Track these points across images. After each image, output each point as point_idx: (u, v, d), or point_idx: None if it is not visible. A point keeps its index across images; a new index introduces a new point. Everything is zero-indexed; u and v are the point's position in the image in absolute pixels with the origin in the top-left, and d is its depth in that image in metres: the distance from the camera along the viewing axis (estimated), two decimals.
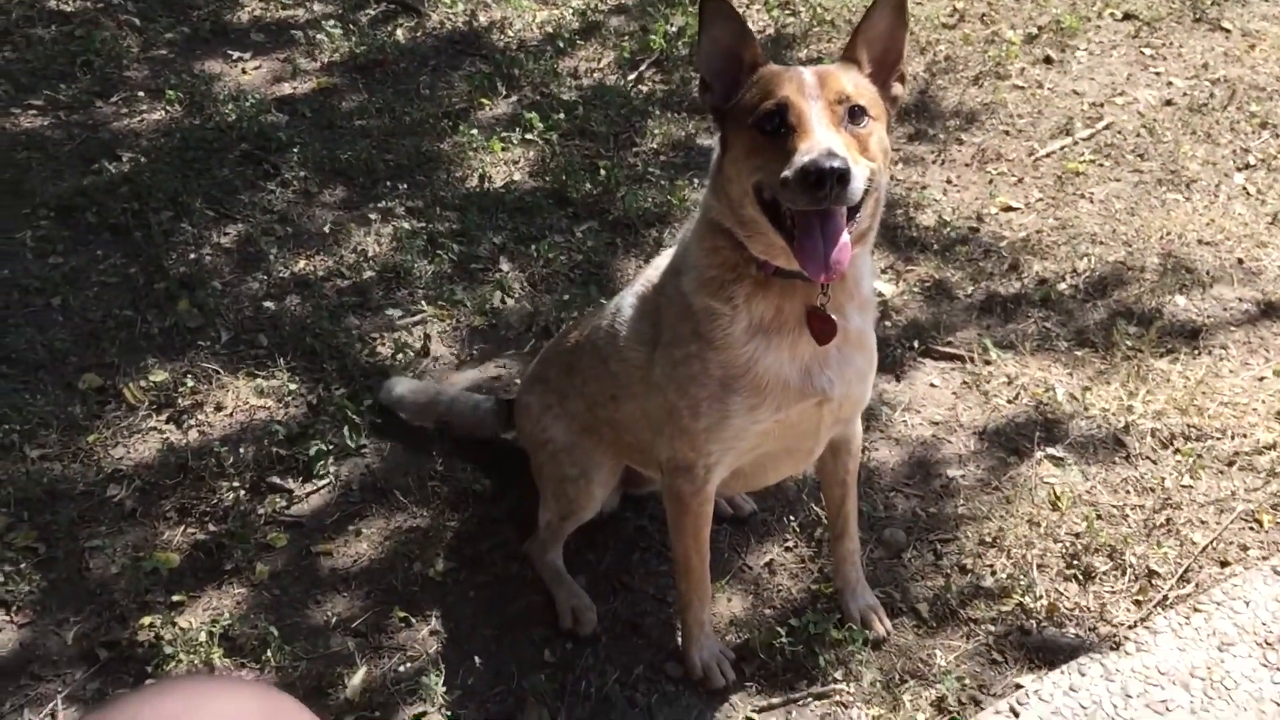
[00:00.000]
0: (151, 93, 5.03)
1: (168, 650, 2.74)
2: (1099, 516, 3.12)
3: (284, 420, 3.43)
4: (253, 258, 4.09)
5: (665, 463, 2.59)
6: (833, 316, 2.32)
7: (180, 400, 3.49)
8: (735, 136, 2.24)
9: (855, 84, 2.22)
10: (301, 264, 4.08)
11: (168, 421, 3.43)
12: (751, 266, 2.31)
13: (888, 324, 3.82)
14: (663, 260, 2.59)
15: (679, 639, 2.81)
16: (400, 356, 3.68)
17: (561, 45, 5.50)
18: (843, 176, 2.02)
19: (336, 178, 4.55)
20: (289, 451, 3.31)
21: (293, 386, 3.55)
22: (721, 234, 2.32)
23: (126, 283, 3.93)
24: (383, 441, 3.40)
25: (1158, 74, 5.29)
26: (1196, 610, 2.83)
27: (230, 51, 5.43)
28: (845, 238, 2.12)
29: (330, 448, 3.32)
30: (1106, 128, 4.87)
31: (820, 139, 2.06)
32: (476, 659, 2.78)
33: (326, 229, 4.24)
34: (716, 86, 2.30)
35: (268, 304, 3.85)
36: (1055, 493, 3.20)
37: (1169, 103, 5.05)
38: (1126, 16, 5.75)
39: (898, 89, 2.39)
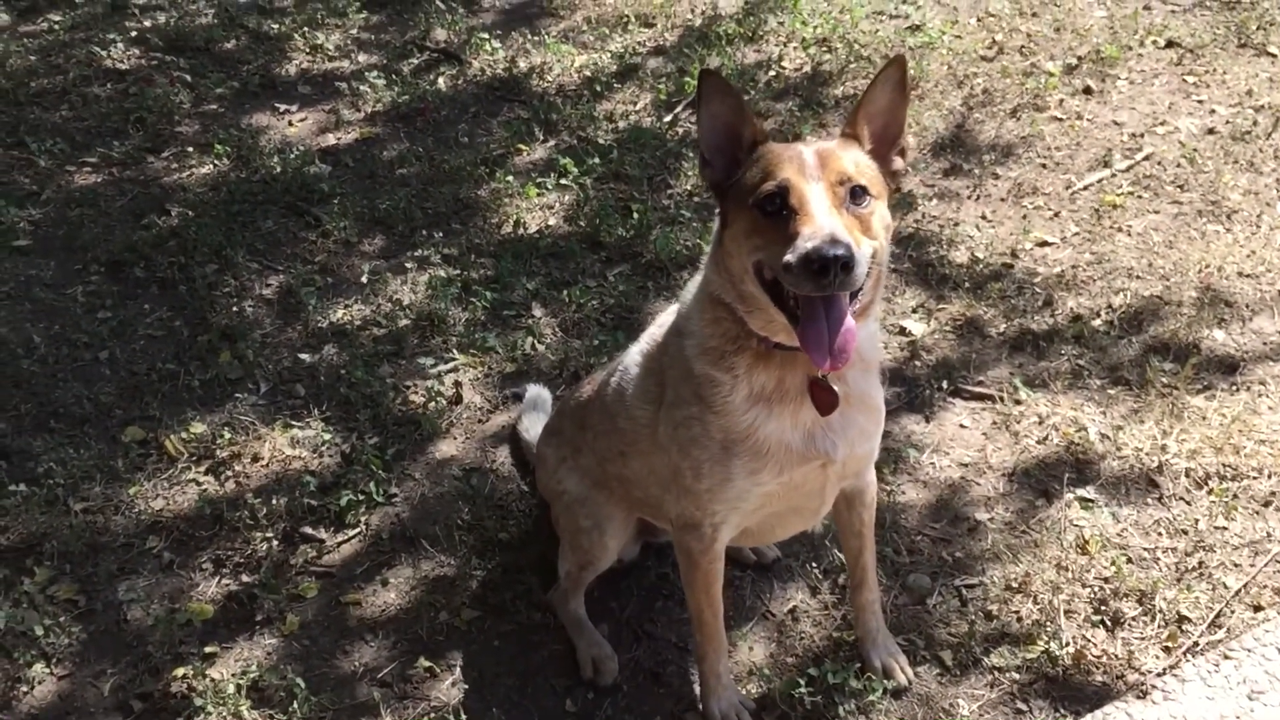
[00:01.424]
0: (200, 147, 5.19)
1: (198, 702, 2.81)
2: (1129, 560, 3.07)
3: (318, 470, 3.51)
4: (293, 308, 4.20)
5: (674, 520, 2.60)
6: (834, 387, 2.32)
7: (219, 451, 3.58)
8: (736, 214, 2.24)
9: (856, 163, 2.23)
10: (339, 313, 4.17)
11: (206, 473, 3.53)
12: (753, 339, 2.32)
13: (917, 363, 3.81)
14: (668, 317, 2.61)
15: (698, 689, 2.81)
16: (432, 405, 3.74)
17: (599, 89, 5.57)
18: (847, 264, 2.01)
19: (375, 227, 4.65)
20: (321, 502, 3.39)
21: (327, 436, 3.63)
22: (722, 306, 2.33)
23: (171, 336, 4.06)
24: (413, 490, 3.46)
25: (1200, 102, 5.21)
26: (1227, 657, 2.77)
27: (278, 105, 5.58)
28: (850, 321, 2.12)
29: (361, 497, 3.39)
30: (1146, 158, 4.81)
31: (822, 224, 2.06)
32: (496, 710, 2.81)
33: (364, 279, 4.34)
34: (717, 163, 2.31)
35: (304, 355, 3.95)
36: (1084, 536, 3.15)
37: (1211, 131, 4.97)
38: (1169, 44, 5.68)
39: (899, 163, 2.37)
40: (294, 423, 3.69)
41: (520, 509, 3.38)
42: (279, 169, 4.95)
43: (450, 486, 3.47)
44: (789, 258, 2.05)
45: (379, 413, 3.71)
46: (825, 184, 2.14)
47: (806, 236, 2.05)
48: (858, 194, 2.18)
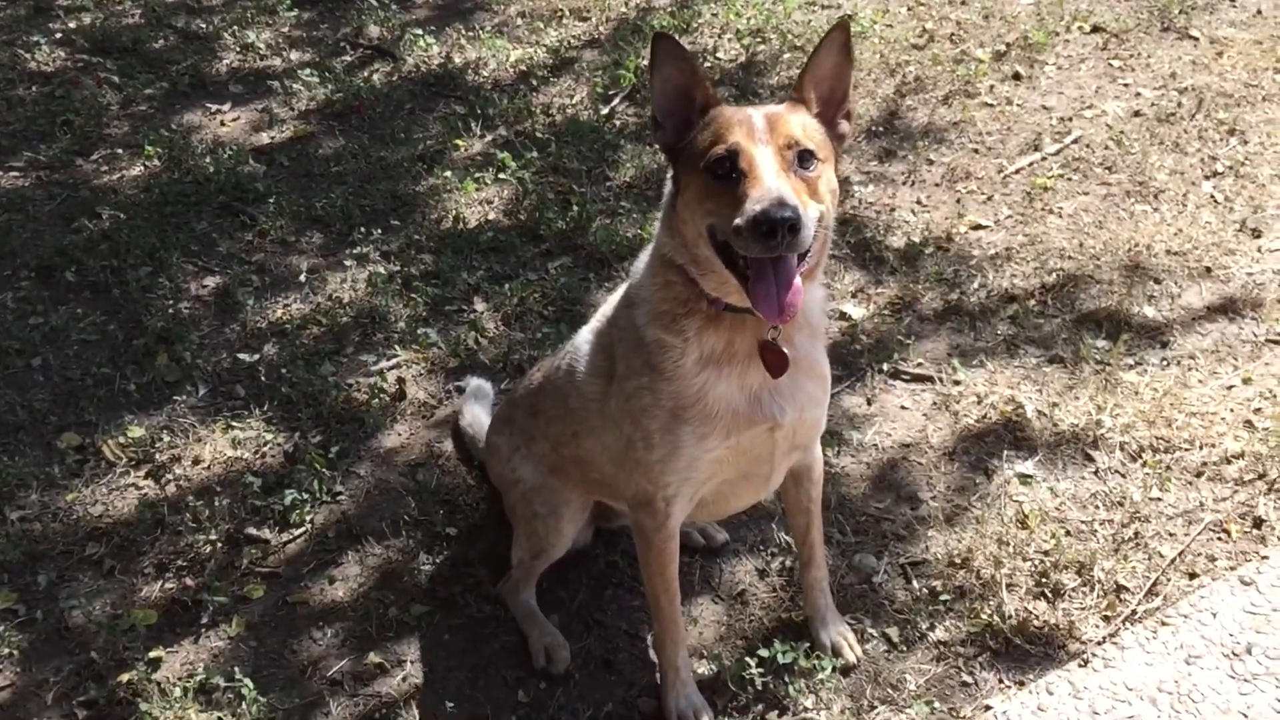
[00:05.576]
0: (131, 149, 5.11)
1: (144, 707, 2.77)
2: (1067, 533, 3.14)
3: (260, 470, 3.47)
4: (230, 309, 4.15)
5: (629, 499, 2.62)
6: (784, 349, 2.36)
7: (158, 455, 3.53)
8: (688, 179, 2.27)
9: (804, 127, 2.26)
10: (278, 312, 4.13)
11: (146, 477, 3.48)
12: (703, 301, 2.35)
13: (856, 347, 3.85)
14: (617, 295, 2.63)
15: (656, 676, 2.83)
16: (375, 401, 3.72)
17: (535, 83, 5.56)
18: (794, 226, 2.06)
19: (313, 225, 4.61)
20: (265, 502, 3.35)
21: (269, 436, 3.59)
22: (674, 269, 2.36)
23: (105, 340, 3.99)
24: (358, 487, 3.44)
25: (1126, 85, 5.32)
26: (1164, 624, 2.84)
27: (209, 104, 5.51)
28: (797, 281, 2.16)
29: (306, 496, 3.36)
30: (1075, 141, 4.91)
31: (770, 186, 2.10)
32: (449, 703, 2.80)
33: (303, 277, 4.29)
34: (668, 125, 2.35)
35: (244, 355, 3.90)
36: (1024, 510, 3.21)
37: (1137, 113, 5.08)
38: (1095, 29, 5.79)
39: (844, 127, 2.42)
40: (235, 423, 3.65)
41: (467, 502, 3.37)
42: (212, 169, 4.89)
43: (396, 482, 3.45)
44: (738, 221, 2.09)
45: (321, 411, 3.68)
46: (774, 148, 2.18)
47: (755, 199, 2.08)
48: (805, 158, 2.22)
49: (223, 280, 4.29)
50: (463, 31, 6.07)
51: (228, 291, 4.22)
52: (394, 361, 3.89)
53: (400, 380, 3.81)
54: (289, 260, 4.41)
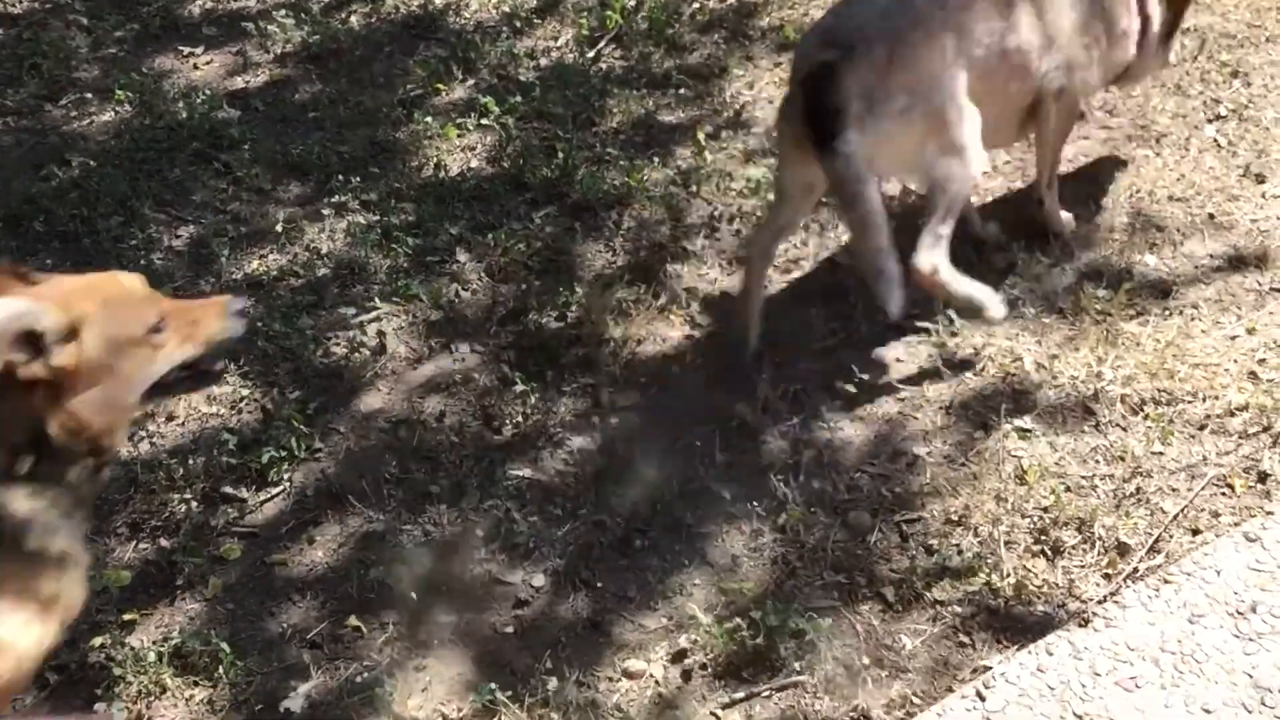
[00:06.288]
0: (101, 94, 4.94)
1: (117, 672, 2.69)
2: (1067, 489, 3.06)
3: (237, 427, 3.37)
4: (204, 260, 4.02)
5: None
6: None
7: None
8: None
9: None
10: (255, 264, 4.01)
11: None
12: None
13: (851, 298, 3.74)
14: None
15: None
16: (356, 356, 3.61)
17: (519, 25, 5.38)
18: None
19: (290, 173, 4.46)
20: (241, 460, 3.26)
21: (245, 392, 3.49)
22: None
23: None
24: (338, 444, 3.34)
25: None
26: (1166, 582, 2.77)
27: (181, 47, 5.32)
28: None
29: (284, 454, 3.26)
30: None
31: None
32: (431, 664, 2.73)
33: (279, 227, 4.16)
34: None
35: None
36: (1023, 466, 3.13)
37: None
38: None
39: None
40: None
41: (450, 460, 3.27)
42: (185, 115, 4.73)
43: (377, 439, 3.35)
44: None
45: (300, 366, 3.57)
46: None
47: None
48: None
49: (197, 230, 4.16)
50: None
51: (202, 242, 4.09)
52: (374, 314, 3.78)
53: (381, 334, 3.70)
54: (265, 209, 4.27)
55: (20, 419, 1.97)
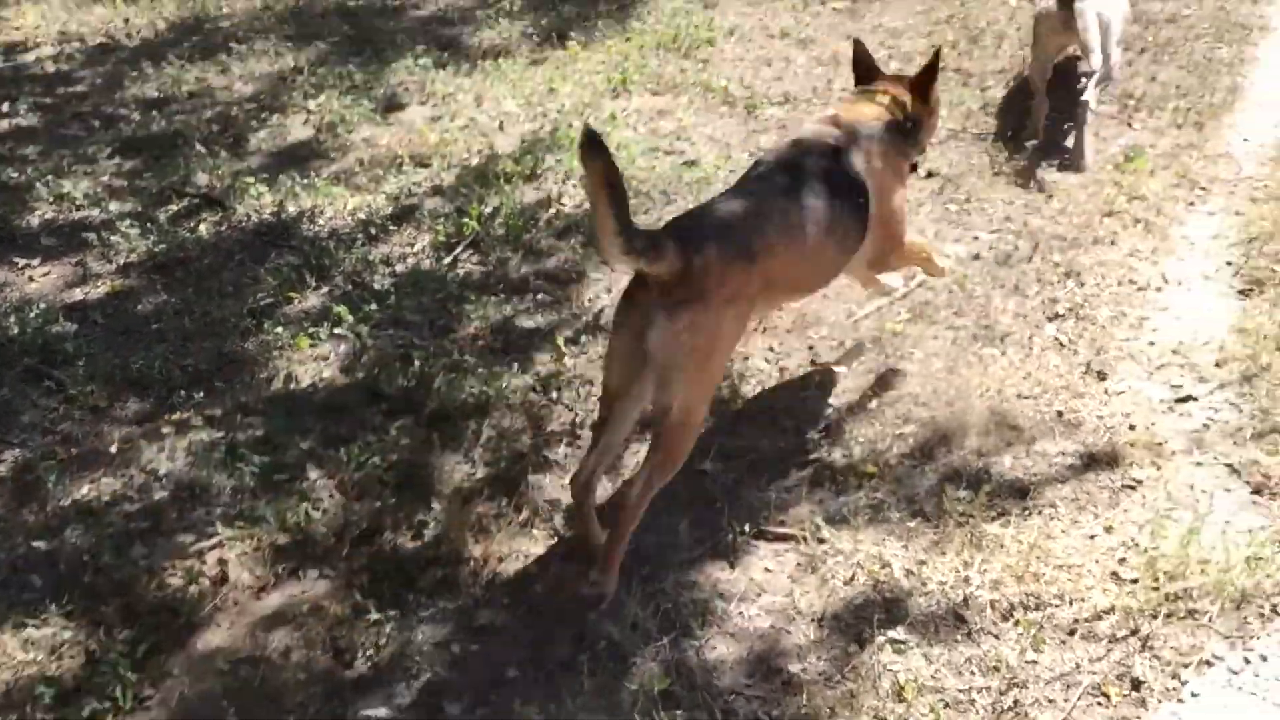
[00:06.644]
0: None
1: None
2: (946, 704, 2.98)
3: (56, 675, 3.07)
4: (29, 487, 3.75)
5: None
6: None
7: None
8: None
9: None
10: (85, 489, 3.75)
11: None
12: None
13: (717, 505, 3.68)
14: None
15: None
16: (193, 587, 3.36)
17: (374, 232, 5.35)
18: None
19: (129, 389, 4.25)
20: (60, 715, 2.95)
21: (68, 634, 3.20)
22: None
23: None
24: (171, 690, 3.06)
25: (965, 228, 5.41)
26: None
27: (17, 259, 5.13)
28: None
29: (107, 705, 2.97)
30: (920, 285, 4.93)
31: None
32: None
33: (114, 448, 3.93)
34: None
35: (40, 542, 3.50)
36: (899, 681, 3.05)
37: (977, 257, 5.14)
38: (930, 174, 5.91)
39: None
40: (28, 620, 3.24)
41: (295, 702, 3.02)
42: (16, 330, 4.50)
43: (214, 682, 3.09)
44: None
45: (131, 601, 3.31)
46: None
47: None
48: None
49: (22, 455, 3.89)
50: (297, 179, 5.82)
51: (28, 467, 3.83)
52: (215, 540, 3.54)
53: (222, 562, 3.46)
54: (100, 429, 4.04)
55: None
